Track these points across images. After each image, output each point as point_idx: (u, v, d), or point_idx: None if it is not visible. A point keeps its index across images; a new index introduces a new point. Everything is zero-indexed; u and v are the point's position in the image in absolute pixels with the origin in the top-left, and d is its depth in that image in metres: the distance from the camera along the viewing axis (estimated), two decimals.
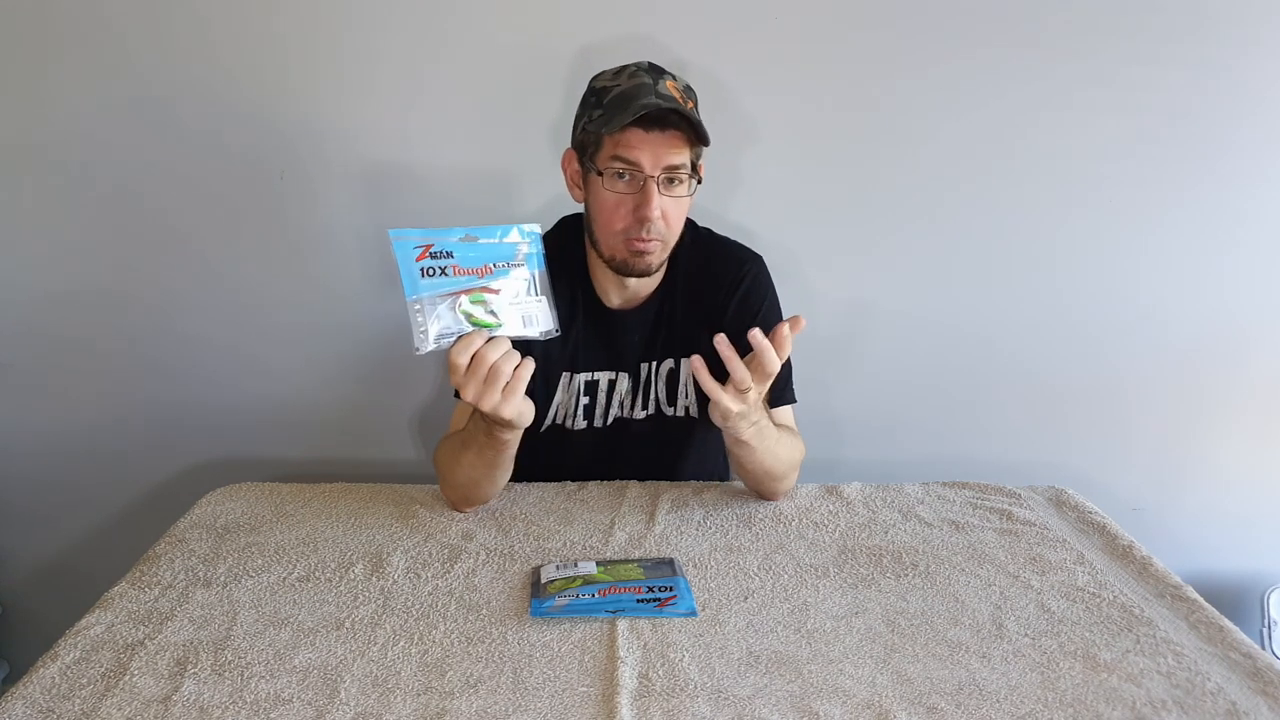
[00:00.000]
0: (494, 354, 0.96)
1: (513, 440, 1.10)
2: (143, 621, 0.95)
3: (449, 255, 0.96)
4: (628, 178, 1.10)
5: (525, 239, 0.99)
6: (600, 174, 1.12)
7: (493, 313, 0.97)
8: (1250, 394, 1.65)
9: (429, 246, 0.95)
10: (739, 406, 1.03)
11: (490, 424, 1.05)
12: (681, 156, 1.10)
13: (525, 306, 0.98)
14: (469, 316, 0.96)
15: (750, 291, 1.26)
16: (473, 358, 0.96)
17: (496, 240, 0.98)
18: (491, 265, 0.97)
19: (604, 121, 1.09)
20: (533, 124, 1.46)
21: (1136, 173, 1.52)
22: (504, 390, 0.97)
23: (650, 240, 1.12)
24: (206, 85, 1.45)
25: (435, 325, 0.95)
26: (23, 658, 1.71)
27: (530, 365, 0.99)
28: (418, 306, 0.95)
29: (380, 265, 1.55)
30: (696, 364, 1.01)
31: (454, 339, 0.96)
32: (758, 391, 1.04)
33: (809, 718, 0.80)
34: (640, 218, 1.10)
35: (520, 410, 1.01)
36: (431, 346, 0.95)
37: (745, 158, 1.50)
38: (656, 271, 1.19)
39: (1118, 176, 1.52)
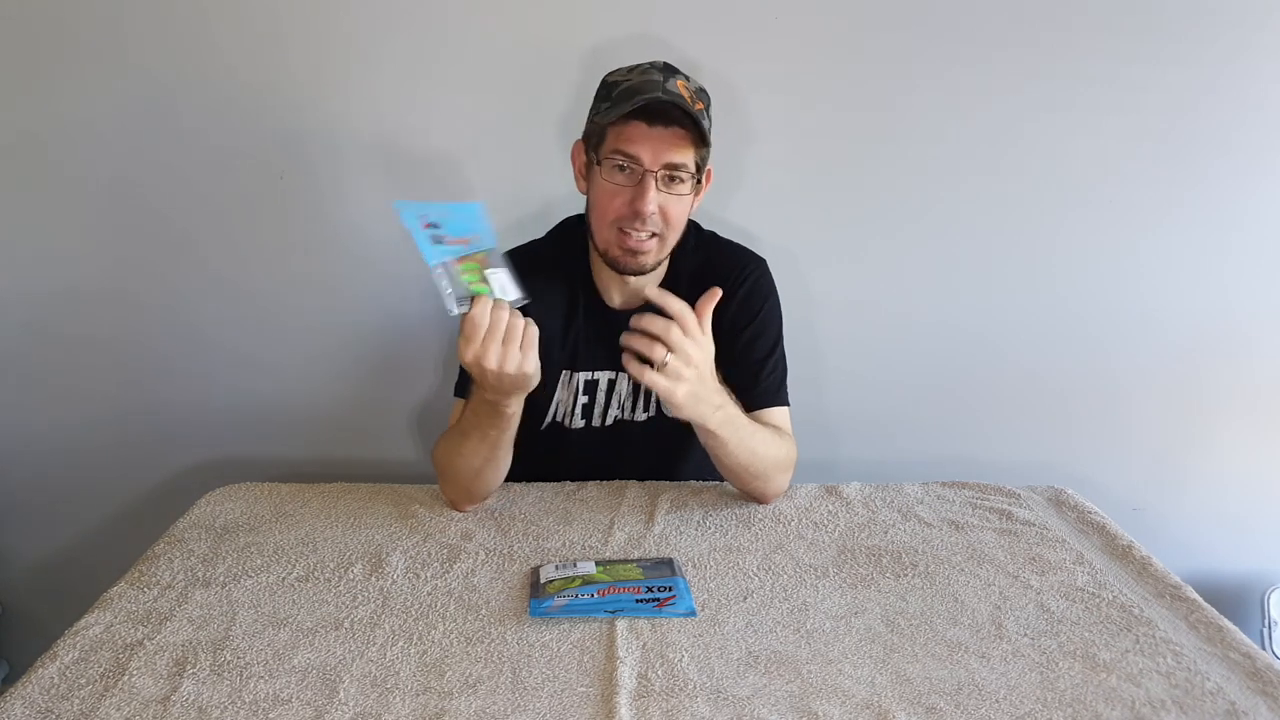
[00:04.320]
0: (505, 313, 0.98)
1: (516, 414, 1.10)
2: (142, 622, 0.95)
3: (439, 226, 0.97)
4: (627, 170, 1.10)
5: (479, 214, 1.00)
6: (600, 164, 1.12)
7: (485, 279, 0.98)
8: (1250, 394, 1.65)
9: (425, 217, 0.97)
10: (665, 381, 1.02)
11: (497, 397, 1.05)
12: (683, 155, 1.10)
13: (497, 276, 0.99)
14: (469, 284, 0.97)
15: (751, 294, 1.25)
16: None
17: (463, 215, 0.99)
18: (468, 236, 0.98)
19: (608, 113, 1.09)
20: (535, 126, 1.46)
21: (1136, 173, 1.52)
22: (521, 347, 0.99)
23: (644, 238, 1.12)
24: (207, 85, 1.45)
25: (455, 290, 0.97)
26: (22, 657, 1.71)
27: (534, 325, 1.01)
28: (440, 271, 0.96)
29: (380, 266, 1.55)
30: (626, 359, 1.02)
31: (468, 302, 0.97)
32: (680, 360, 1.01)
33: (808, 718, 0.80)
34: (635, 211, 1.10)
35: (536, 366, 1.02)
36: (463, 308, 0.96)
37: (746, 159, 1.50)
38: (653, 270, 1.19)
39: (1118, 176, 1.52)
